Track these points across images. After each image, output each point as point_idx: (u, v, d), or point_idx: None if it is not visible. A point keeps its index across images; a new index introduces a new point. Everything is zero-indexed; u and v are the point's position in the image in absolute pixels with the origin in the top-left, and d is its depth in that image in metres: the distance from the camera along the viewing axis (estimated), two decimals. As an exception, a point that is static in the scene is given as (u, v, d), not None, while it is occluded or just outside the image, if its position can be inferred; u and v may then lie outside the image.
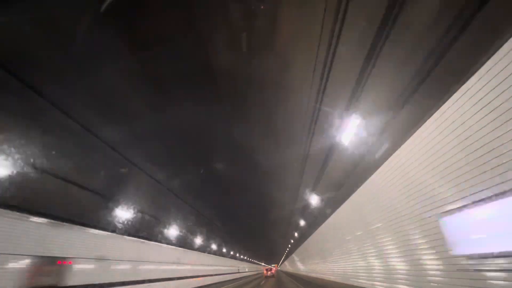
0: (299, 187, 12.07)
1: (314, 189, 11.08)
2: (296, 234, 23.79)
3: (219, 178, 10.64)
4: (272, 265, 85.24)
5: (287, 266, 54.46)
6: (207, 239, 20.30)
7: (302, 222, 17.53)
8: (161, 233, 12.76)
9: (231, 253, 31.49)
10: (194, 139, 7.67)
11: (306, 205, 13.28)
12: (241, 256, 39.27)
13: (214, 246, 23.16)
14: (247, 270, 47.88)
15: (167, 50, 4.64)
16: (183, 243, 15.95)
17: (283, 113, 6.66)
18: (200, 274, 19.45)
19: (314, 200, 11.68)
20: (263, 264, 76.46)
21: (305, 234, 19.32)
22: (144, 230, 10.78)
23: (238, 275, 35.43)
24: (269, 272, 38.51)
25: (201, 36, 4.52)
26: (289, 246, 34.60)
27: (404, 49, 4.13)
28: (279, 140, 8.24)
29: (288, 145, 8.38)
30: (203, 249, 20.61)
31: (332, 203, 10.50)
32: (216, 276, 24.20)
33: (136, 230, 10.13)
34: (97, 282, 8.24)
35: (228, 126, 7.30)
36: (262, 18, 4.33)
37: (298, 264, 31.97)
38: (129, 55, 4.57)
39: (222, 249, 26.13)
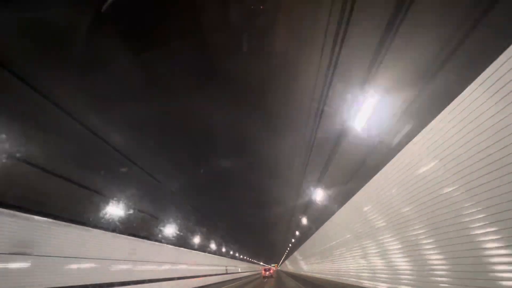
0: (303, 176, 11.01)
1: (320, 178, 9.95)
2: (297, 232, 22.74)
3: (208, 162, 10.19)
4: (272, 264, 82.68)
5: (287, 266, 53.01)
6: (179, 227, 14.34)
7: (305, 218, 16.55)
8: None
9: (216, 248, 24.83)
10: (192, 134, 7.82)
11: (311, 198, 12.33)
12: (235, 254, 35.86)
13: (188, 237, 16.54)
14: (240, 270, 40.45)
15: (167, 50, 4.70)
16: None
17: (286, 104, 6.59)
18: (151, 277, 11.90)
19: (322, 187, 10.45)
20: (261, 263, 74.16)
21: (310, 230, 18.08)
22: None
23: (226, 277, 28.57)
24: (267, 273, 37.12)
25: (203, 36, 4.59)
26: (290, 245, 33.78)
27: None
28: (281, 134, 8.21)
29: (291, 138, 8.33)
30: (168, 240, 13.91)
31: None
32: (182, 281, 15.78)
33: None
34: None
35: (228, 123, 7.36)
36: (263, 18, 4.40)
37: (301, 263, 31.24)
38: (130, 55, 4.64)
39: (204, 243, 20.31)
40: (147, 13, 4.19)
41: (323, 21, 4.17)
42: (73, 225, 7.80)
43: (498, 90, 3.36)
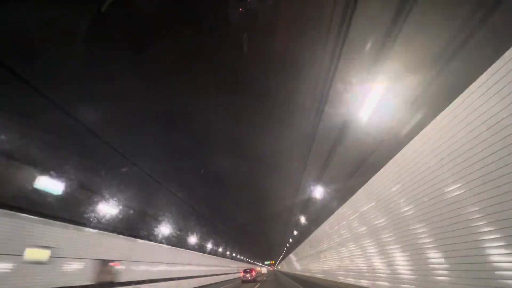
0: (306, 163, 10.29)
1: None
2: (303, 220, 19.36)
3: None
4: (266, 262, 77.11)
5: (295, 265, 40.72)
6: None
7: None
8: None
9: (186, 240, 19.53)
10: (190, 130, 8.09)
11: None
12: (219, 250, 30.82)
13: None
14: (212, 272, 27.92)
15: (168, 50, 4.98)
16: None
17: (287, 99, 6.78)
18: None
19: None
20: (250, 262, 63.37)
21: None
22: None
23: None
24: (247, 275, 31.05)
25: (203, 36, 4.87)
26: (291, 240, 31.53)
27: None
28: (281, 130, 8.40)
29: (291, 133, 8.49)
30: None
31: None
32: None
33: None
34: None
35: (226, 118, 7.71)
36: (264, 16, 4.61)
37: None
38: (130, 55, 4.96)
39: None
40: (147, 13, 4.43)
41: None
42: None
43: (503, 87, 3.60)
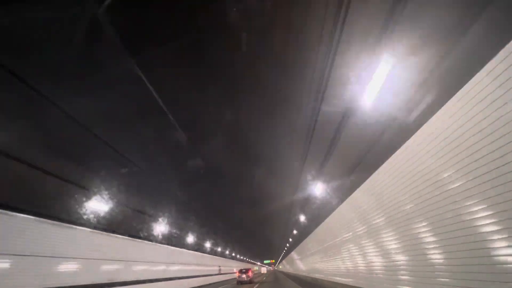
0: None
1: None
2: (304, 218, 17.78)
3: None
4: (265, 261, 74.96)
5: (298, 264, 34.57)
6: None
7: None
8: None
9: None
10: (185, 123, 8.02)
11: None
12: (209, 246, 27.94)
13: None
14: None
15: (166, 50, 5.08)
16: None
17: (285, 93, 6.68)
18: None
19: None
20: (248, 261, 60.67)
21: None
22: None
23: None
24: (243, 275, 29.81)
25: (202, 36, 4.94)
26: (290, 240, 30.71)
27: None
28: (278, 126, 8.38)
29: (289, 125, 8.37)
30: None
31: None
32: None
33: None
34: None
35: (221, 114, 7.75)
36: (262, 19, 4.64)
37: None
38: (129, 55, 5.00)
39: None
40: (146, 13, 4.48)
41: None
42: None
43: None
